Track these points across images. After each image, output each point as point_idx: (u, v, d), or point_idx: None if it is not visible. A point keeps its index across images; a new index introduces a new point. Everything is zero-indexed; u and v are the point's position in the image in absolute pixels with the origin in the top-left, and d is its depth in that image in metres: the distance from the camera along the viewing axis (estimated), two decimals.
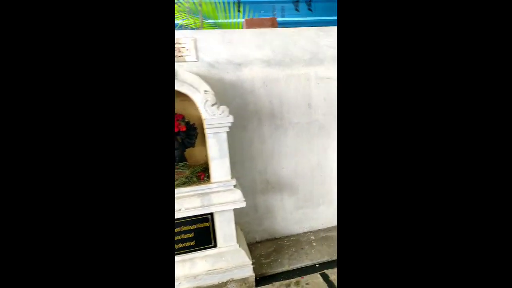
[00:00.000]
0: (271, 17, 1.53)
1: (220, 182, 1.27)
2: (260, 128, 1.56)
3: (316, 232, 1.82)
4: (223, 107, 1.18)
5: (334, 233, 1.79)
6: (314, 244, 1.70)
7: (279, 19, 2.73)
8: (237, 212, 1.64)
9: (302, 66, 1.53)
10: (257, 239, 1.74)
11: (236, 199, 1.28)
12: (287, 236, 1.78)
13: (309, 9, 2.74)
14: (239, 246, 1.39)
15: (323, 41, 1.51)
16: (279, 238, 1.77)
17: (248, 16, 2.58)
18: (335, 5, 2.68)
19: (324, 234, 1.79)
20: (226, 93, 1.46)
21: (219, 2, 2.32)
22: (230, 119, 1.19)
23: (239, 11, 2.59)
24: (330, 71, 1.57)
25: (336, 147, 1.70)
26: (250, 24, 1.48)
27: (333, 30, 1.51)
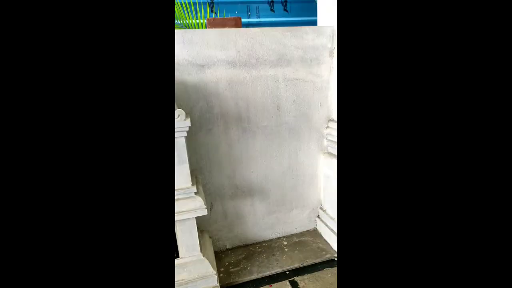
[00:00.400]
0: (234, 16, 1.48)
1: (180, 189, 1.21)
2: (226, 132, 1.50)
3: (289, 237, 1.77)
4: (179, 111, 1.12)
5: (307, 238, 1.75)
6: (286, 249, 1.65)
7: (254, 20, 2.69)
8: (205, 219, 1.58)
9: (269, 67, 1.48)
10: (228, 246, 1.69)
11: (197, 207, 1.22)
12: (259, 242, 1.73)
13: (285, 10, 2.70)
14: (203, 255, 1.33)
15: (290, 41, 1.47)
16: (251, 244, 1.72)
17: (223, 17, 2.53)
18: (311, 5, 2.67)
19: (297, 239, 1.74)
20: (189, 96, 1.40)
21: (191, 3, 2.26)
22: (187, 123, 1.14)
23: (212, 11, 2.54)
24: (298, 72, 1.53)
25: (306, 150, 1.67)
26: (213, 24, 1.43)
27: (300, 31, 1.48)
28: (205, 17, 2.42)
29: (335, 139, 1.56)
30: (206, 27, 1.57)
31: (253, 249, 1.67)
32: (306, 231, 1.82)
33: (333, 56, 1.55)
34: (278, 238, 1.77)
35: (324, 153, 1.68)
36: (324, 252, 1.60)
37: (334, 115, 1.63)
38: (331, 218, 1.66)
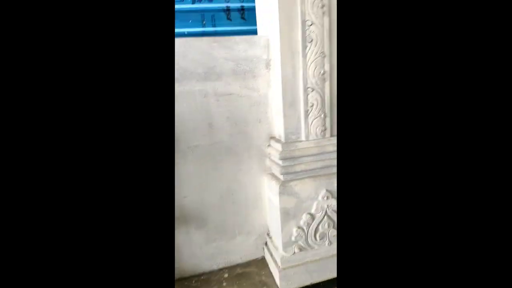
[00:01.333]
0: None
1: None
2: None
3: (232, 268, 1.59)
4: None
5: (252, 269, 1.57)
6: (224, 284, 1.47)
7: (210, 29, 2.57)
8: None
9: (196, 82, 1.33)
10: None
11: None
12: (197, 275, 1.55)
13: (242, 18, 2.58)
14: None
15: (218, 53, 1.33)
16: (187, 278, 1.54)
17: (177, 27, 2.40)
18: None
19: (240, 271, 1.56)
20: None
21: None
22: None
23: None
24: (231, 86, 1.38)
25: (247, 171, 1.51)
26: None
27: (229, 41, 1.33)
28: None
29: (277, 160, 1.40)
30: None
31: (188, 284, 1.49)
32: (253, 260, 1.64)
33: (270, 68, 1.40)
34: (220, 269, 1.59)
35: (268, 174, 1.52)
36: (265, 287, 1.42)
37: (275, 132, 1.47)
38: (275, 247, 1.48)
